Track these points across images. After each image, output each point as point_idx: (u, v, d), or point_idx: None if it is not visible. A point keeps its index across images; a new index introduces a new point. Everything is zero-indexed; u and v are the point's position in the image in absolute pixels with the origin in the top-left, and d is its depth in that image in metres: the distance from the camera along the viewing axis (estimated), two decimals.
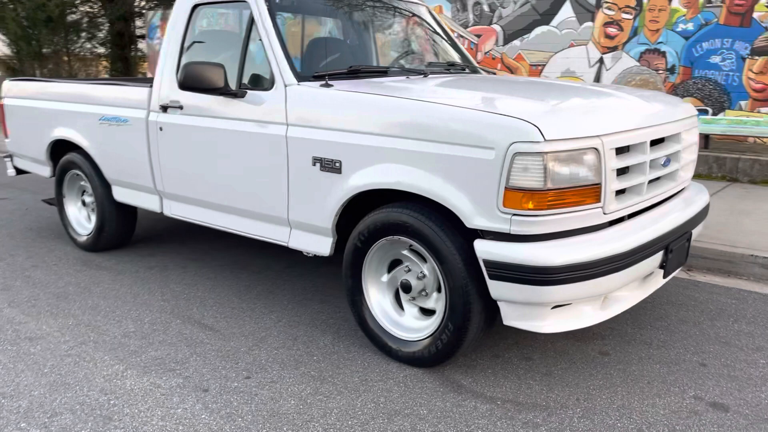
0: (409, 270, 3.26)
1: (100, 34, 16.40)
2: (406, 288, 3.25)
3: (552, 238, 2.82)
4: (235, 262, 4.93)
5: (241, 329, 3.72)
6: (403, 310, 3.36)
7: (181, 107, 4.09)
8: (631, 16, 9.06)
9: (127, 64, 16.84)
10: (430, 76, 3.94)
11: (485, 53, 10.23)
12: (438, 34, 4.73)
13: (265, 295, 4.24)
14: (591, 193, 2.83)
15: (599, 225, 2.94)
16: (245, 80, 3.77)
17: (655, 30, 8.92)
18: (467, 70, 4.50)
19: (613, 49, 9.25)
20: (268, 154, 3.62)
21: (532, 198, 2.73)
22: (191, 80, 3.61)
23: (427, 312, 3.30)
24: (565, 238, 2.83)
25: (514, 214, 2.76)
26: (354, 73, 3.76)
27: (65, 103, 4.95)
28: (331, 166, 3.35)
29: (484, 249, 2.84)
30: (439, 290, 3.20)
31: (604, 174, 2.85)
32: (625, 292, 3.15)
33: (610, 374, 3.19)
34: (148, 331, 3.69)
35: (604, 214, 2.91)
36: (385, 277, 3.38)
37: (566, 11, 9.55)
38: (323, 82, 3.50)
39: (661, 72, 8.97)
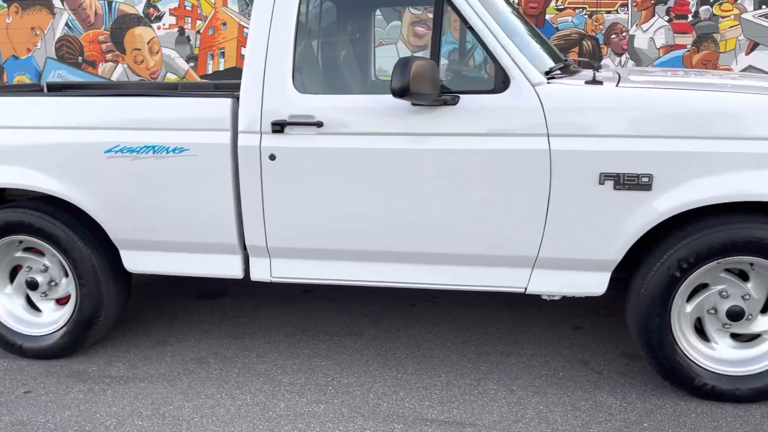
0: (728, 295, 2.79)
1: None
2: (735, 315, 2.77)
3: None
4: (294, 332, 3.62)
5: (497, 416, 2.76)
6: (708, 342, 2.87)
7: (318, 124, 2.83)
8: None
9: None
10: (600, 70, 3.42)
11: None
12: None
13: (425, 362, 3.21)
14: None
15: None
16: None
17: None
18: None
19: (423, 47, 9.33)
20: (513, 176, 2.74)
21: None
22: (421, 84, 2.55)
23: (740, 337, 2.87)
24: None
25: None
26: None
27: (16, 130, 3.05)
28: (633, 182, 2.67)
29: None
30: (763, 311, 2.81)
31: None
32: None
33: None
34: None
35: None
36: (688, 308, 2.83)
37: None
38: (589, 79, 2.77)
39: None
